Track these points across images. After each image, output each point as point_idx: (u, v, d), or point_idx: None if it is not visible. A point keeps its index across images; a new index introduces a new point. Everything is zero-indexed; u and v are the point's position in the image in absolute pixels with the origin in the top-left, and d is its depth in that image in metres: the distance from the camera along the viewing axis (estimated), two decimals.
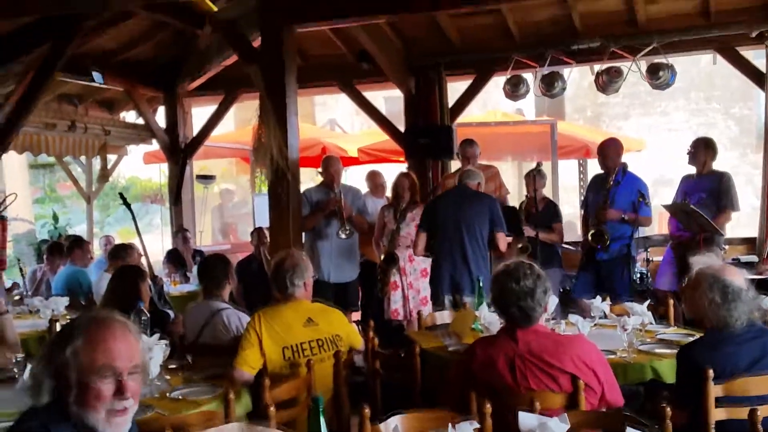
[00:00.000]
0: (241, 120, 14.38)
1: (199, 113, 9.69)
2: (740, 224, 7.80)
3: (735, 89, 14.97)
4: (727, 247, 6.29)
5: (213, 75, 8.15)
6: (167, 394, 3.31)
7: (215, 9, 5.68)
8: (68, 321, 2.05)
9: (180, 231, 8.46)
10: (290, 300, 3.77)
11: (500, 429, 2.64)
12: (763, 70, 6.90)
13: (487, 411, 2.63)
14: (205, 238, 11.31)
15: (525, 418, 2.38)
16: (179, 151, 8.93)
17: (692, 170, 6.21)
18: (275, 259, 3.91)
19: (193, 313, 4.28)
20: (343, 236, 6.22)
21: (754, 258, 6.46)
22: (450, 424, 2.39)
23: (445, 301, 5.44)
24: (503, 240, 5.59)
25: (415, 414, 2.69)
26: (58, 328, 4.33)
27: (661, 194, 10.82)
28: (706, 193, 5.94)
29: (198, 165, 11.08)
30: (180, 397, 3.28)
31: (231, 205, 13.46)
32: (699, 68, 14.77)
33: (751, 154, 15.38)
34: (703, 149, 6.10)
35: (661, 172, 13.49)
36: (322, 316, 3.79)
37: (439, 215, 5.64)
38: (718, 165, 6.24)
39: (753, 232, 7.18)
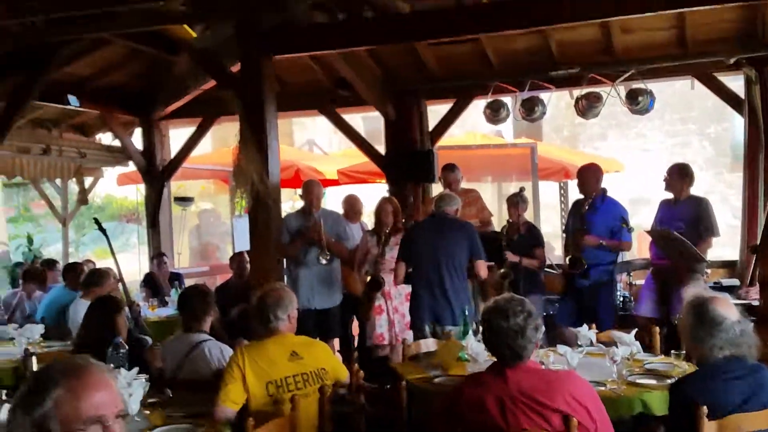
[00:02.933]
0: (218, 139, 14.26)
1: (177, 134, 9.58)
2: (718, 243, 7.80)
3: (710, 110, 15.10)
4: (709, 271, 6.27)
5: (191, 99, 8.05)
6: None
7: (194, 35, 5.59)
8: (41, 369, 2.00)
9: (155, 257, 8.33)
10: (274, 334, 3.68)
11: None
12: (741, 94, 6.95)
13: None
14: (183, 260, 11.15)
15: None
16: (156, 174, 8.83)
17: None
18: (258, 294, 3.82)
19: (172, 346, 4.17)
20: (324, 262, 6.12)
21: (735, 282, 6.45)
22: None
23: (425, 330, 5.28)
24: (483, 267, 5.48)
25: None
26: (34, 362, 4.21)
27: (640, 214, 10.88)
28: (685, 222, 5.78)
29: (175, 184, 10.96)
30: None
31: (210, 226, 13.30)
32: (674, 89, 14.91)
33: (726, 173, 15.54)
34: (677, 176, 5.95)
35: (638, 192, 13.58)
36: (307, 350, 3.71)
37: (416, 244, 5.53)
38: (694, 185, 6.08)
39: (730, 251, 7.17)
